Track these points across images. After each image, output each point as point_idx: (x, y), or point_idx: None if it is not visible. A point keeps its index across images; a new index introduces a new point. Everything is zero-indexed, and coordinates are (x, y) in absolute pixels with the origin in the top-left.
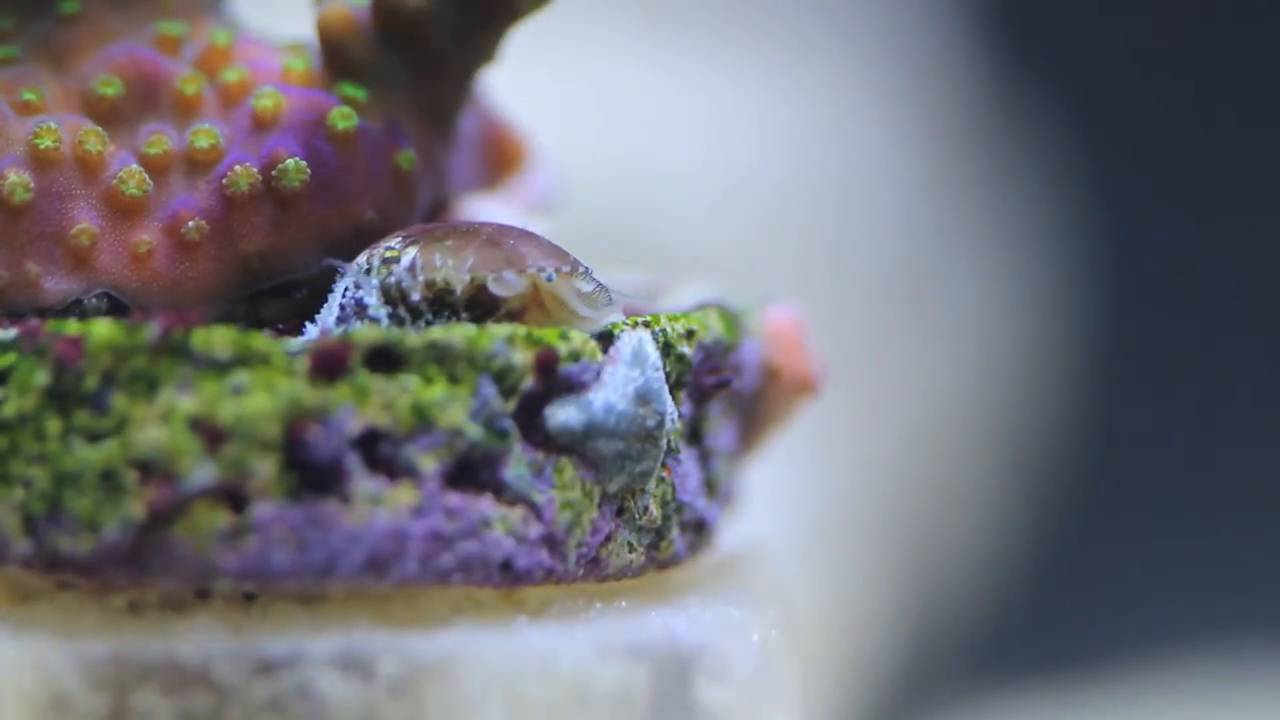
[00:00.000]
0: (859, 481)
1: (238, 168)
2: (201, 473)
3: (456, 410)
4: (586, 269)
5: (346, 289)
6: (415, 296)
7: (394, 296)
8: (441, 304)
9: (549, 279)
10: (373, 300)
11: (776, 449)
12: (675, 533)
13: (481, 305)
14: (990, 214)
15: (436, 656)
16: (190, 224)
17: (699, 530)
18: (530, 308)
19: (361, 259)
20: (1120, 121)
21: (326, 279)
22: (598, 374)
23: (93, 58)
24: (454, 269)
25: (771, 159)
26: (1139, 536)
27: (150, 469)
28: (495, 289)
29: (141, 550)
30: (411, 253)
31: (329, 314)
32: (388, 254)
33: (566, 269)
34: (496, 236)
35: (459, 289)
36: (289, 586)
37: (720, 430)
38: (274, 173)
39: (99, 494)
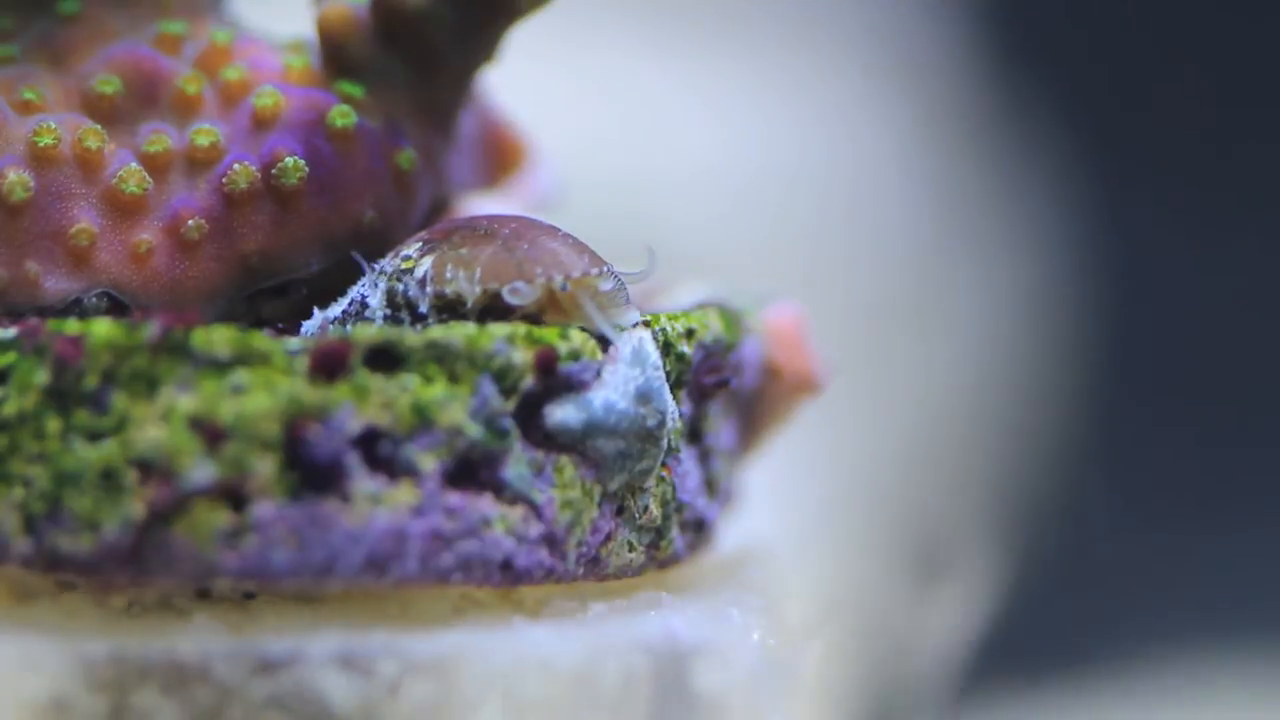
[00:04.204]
0: (863, 480)
1: (237, 166)
2: (201, 472)
3: (456, 409)
4: (606, 267)
5: (362, 285)
6: (424, 308)
7: (399, 303)
8: (452, 313)
9: (563, 288)
10: (375, 301)
11: (780, 447)
12: (675, 532)
13: (496, 312)
14: (995, 216)
15: (436, 656)
16: (190, 223)
17: (699, 529)
18: (548, 310)
19: (382, 262)
20: (1124, 123)
21: (327, 278)
22: (598, 373)
23: (93, 57)
24: (465, 280)
25: (776, 162)
26: (1141, 537)
27: (150, 468)
28: (510, 299)
29: (141, 549)
30: (426, 264)
31: (336, 308)
32: (404, 264)
33: (581, 273)
34: (513, 240)
35: (470, 301)
36: (289, 586)
37: (720, 429)
38: (274, 171)
39: (99, 493)
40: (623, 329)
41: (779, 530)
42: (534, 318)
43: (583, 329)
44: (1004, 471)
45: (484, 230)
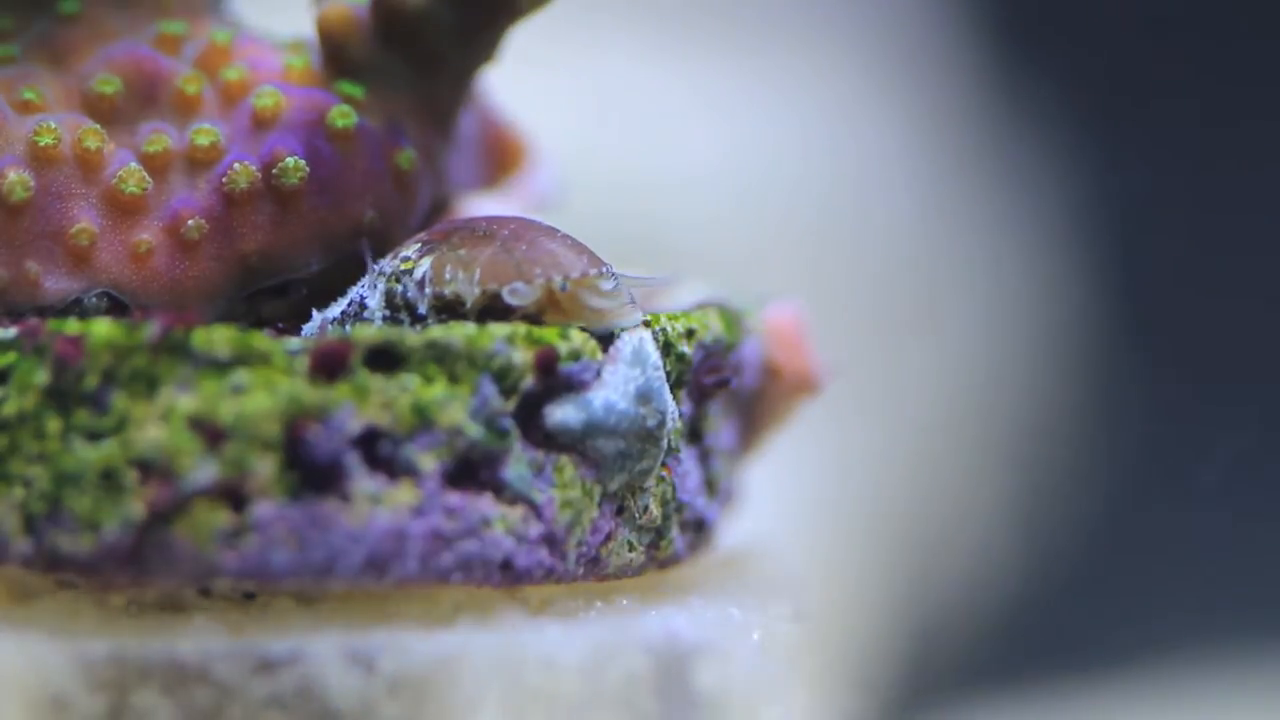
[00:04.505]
0: (866, 479)
1: (237, 166)
2: (201, 472)
3: (456, 409)
4: (605, 268)
5: (361, 286)
6: (423, 309)
7: (398, 304)
8: (451, 314)
9: (563, 288)
10: (374, 303)
11: (782, 445)
12: (675, 532)
13: (495, 313)
14: (999, 212)
15: (436, 656)
16: (190, 223)
17: (699, 529)
18: (547, 310)
19: (381, 263)
20: (1129, 117)
21: (327, 278)
22: (598, 373)
23: (93, 57)
24: (464, 282)
25: (778, 161)
26: (1145, 535)
27: (150, 468)
28: (509, 300)
29: (142, 549)
30: (425, 264)
31: (335, 308)
32: (403, 265)
33: (580, 273)
34: (511, 241)
35: (469, 302)
36: (289, 586)
37: (720, 429)
38: (274, 171)
39: (99, 493)
40: (622, 330)
41: (783, 528)
42: (534, 318)
43: (583, 329)
44: (1011, 465)
45: (483, 231)
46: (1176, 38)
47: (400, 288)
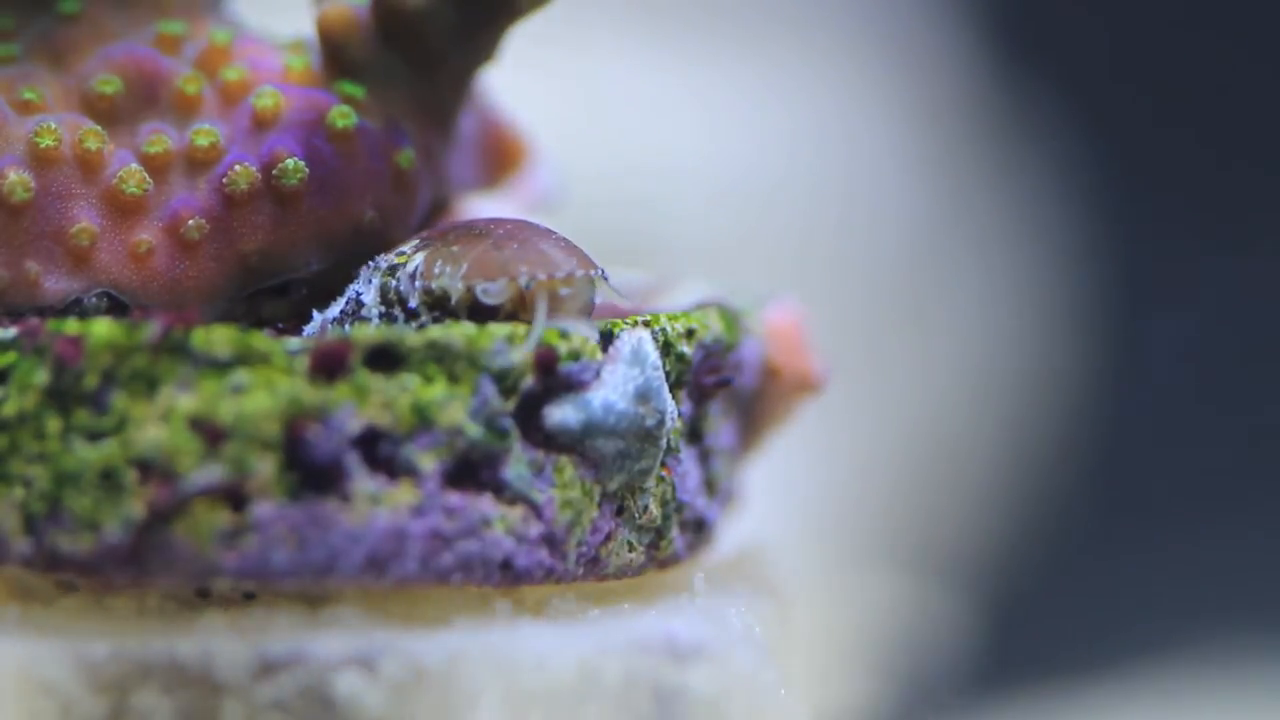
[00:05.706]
0: (858, 478)
1: (237, 167)
2: (201, 472)
3: (456, 409)
4: (597, 271)
5: (357, 283)
6: (413, 303)
7: (391, 299)
8: (442, 309)
9: (527, 287)
10: (369, 298)
11: (777, 446)
12: (675, 532)
13: (483, 312)
14: (992, 211)
15: (436, 656)
16: (190, 223)
17: (699, 529)
18: (521, 311)
19: (378, 258)
20: (1124, 118)
21: (327, 278)
22: (597, 373)
23: (93, 57)
24: (450, 277)
25: (771, 156)
26: (1140, 536)
27: (150, 468)
28: (483, 299)
29: (141, 549)
30: (418, 259)
31: (334, 308)
32: (398, 259)
33: (565, 274)
34: (504, 240)
35: (455, 297)
36: (289, 586)
37: (720, 429)
38: (274, 172)
39: (99, 493)
40: (622, 329)
41: (776, 529)
42: (515, 317)
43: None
44: (1003, 465)
45: (479, 230)
46: (1175, 39)
47: (394, 282)
